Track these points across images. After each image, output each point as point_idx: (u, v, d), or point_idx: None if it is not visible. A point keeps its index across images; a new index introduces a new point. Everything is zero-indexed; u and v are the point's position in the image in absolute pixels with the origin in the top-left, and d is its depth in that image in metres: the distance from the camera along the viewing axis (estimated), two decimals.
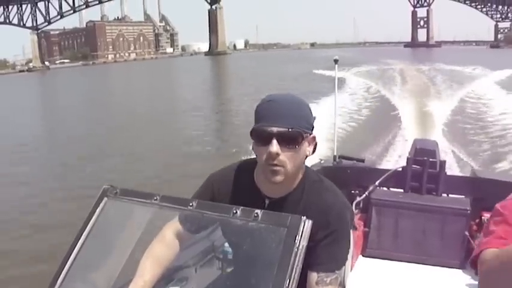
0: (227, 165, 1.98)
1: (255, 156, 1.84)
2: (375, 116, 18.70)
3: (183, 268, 2.82)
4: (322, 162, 4.40)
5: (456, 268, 3.77)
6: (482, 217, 3.85)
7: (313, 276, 1.71)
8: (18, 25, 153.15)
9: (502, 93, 23.26)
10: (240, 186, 1.87)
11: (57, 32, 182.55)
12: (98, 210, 1.66)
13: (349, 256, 1.89)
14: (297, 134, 1.65)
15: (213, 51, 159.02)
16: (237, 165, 1.94)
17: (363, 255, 4.00)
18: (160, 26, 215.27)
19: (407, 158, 4.29)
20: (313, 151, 1.85)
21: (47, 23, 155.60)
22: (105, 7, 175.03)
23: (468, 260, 3.69)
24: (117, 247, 1.79)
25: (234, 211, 1.48)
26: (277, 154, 1.63)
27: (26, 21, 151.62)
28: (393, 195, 4.21)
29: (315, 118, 1.85)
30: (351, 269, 3.54)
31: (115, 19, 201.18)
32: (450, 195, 4.23)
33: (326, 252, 1.71)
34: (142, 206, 1.62)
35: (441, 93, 25.02)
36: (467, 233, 3.82)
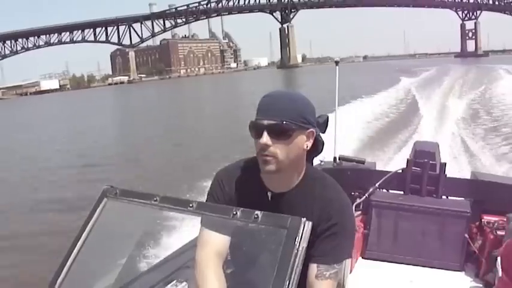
0: (233, 162, 2.01)
1: None
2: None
3: (183, 269, 2.87)
4: (322, 163, 4.35)
5: (456, 270, 3.76)
6: (482, 219, 3.83)
7: (313, 268, 1.74)
8: (118, 43, 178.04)
9: None
10: (245, 180, 1.90)
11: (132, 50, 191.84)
12: (97, 211, 1.67)
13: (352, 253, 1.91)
14: (286, 127, 1.69)
15: (285, 65, 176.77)
16: (243, 161, 1.97)
17: (362, 257, 4.00)
18: (224, 42, 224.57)
19: (408, 160, 4.28)
20: (321, 149, 1.93)
21: (140, 42, 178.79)
22: None
23: (468, 263, 3.62)
24: (116, 247, 1.79)
25: (234, 212, 1.47)
26: (267, 145, 1.69)
27: (123, 40, 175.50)
28: (393, 197, 4.20)
29: (326, 117, 1.93)
30: (351, 271, 3.53)
31: (183, 37, 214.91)
32: (450, 198, 4.21)
33: (327, 245, 1.74)
34: (142, 206, 1.63)
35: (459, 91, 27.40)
36: (467, 235, 3.81)
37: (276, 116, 1.70)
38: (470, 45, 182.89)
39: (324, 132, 1.93)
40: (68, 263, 1.61)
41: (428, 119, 17.27)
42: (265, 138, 1.69)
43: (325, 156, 4.32)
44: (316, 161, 4.15)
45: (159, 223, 6.41)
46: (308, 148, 1.80)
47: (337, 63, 4.90)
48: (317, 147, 1.89)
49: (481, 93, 25.99)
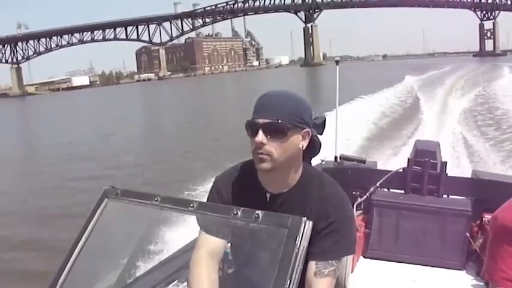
0: (231, 167, 2.02)
1: None
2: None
3: (184, 269, 2.83)
4: (323, 163, 4.35)
5: (457, 269, 3.75)
6: (483, 218, 3.81)
7: (312, 265, 1.75)
8: (148, 42, 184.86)
9: None
10: (243, 183, 1.92)
11: (157, 48, 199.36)
12: (98, 211, 1.67)
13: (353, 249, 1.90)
14: (282, 125, 1.72)
15: (309, 63, 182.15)
16: (241, 165, 1.99)
17: (363, 256, 3.99)
18: (246, 41, 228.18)
19: (408, 159, 4.28)
20: (319, 150, 1.95)
21: (170, 40, 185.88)
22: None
23: (469, 261, 3.58)
24: (118, 248, 1.79)
25: (235, 212, 1.47)
26: (262, 143, 1.71)
27: (153, 38, 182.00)
28: (394, 197, 4.19)
29: (324, 118, 1.94)
30: (352, 270, 3.51)
31: (207, 36, 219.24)
32: (451, 196, 4.21)
33: (325, 243, 1.75)
34: (143, 207, 1.63)
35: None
36: (468, 234, 3.79)
37: (271, 115, 1.71)
38: (489, 45, 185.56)
39: (321, 133, 1.95)
40: (69, 264, 1.61)
41: (429, 118, 17.28)
42: (261, 136, 1.71)
43: (326, 156, 4.30)
44: (317, 160, 4.18)
45: (160, 223, 6.45)
46: (304, 148, 1.81)
47: (337, 62, 4.91)
48: (314, 147, 1.91)
49: (483, 90, 26.04)
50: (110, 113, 42.64)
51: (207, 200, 1.96)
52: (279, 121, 1.71)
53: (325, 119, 1.95)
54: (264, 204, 1.82)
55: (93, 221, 1.67)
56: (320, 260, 1.75)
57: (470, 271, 3.66)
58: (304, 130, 1.78)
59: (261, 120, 1.72)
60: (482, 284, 3.36)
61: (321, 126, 1.94)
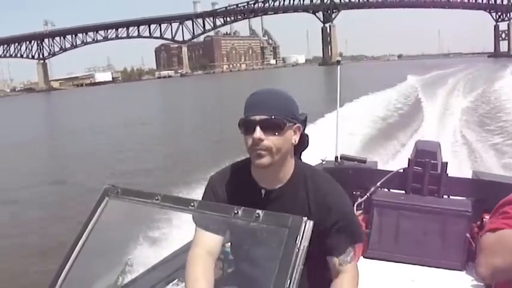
0: (226, 166, 2.05)
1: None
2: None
3: (184, 268, 2.84)
4: (323, 163, 4.36)
5: (457, 270, 3.73)
6: (484, 219, 3.77)
7: (335, 260, 1.84)
8: (171, 39, 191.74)
9: None
10: (238, 181, 1.95)
11: (176, 46, 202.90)
12: (99, 210, 1.67)
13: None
14: (278, 121, 1.77)
15: (327, 62, 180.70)
16: (235, 163, 2.03)
17: (364, 256, 3.96)
18: (263, 39, 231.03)
19: (409, 160, 4.27)
20: (307, 145, 2.02)
21: (192, 38, 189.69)
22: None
23: (469, 262, 3.52)
24: (118, 247, 1.79)
25: (236, 211, 1.47)
26: (261, 139, 1.75)
27: (175, 36, 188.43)
28: (395, 197, 4.18)
29: (305, 115, 2.01)
30: None
31: (225, 34, 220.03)
32: (451, 197, 4.20)
33: (339, 237, 1.83)
34: (144, 205, 1.63)
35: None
36: (468, 234, 3.79)
37: (266, 111, 1.76)
38: (504, 46, 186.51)
39: (303, 129, 1.98)
40: (69, 263, 1.61)
41: (430, 118, 17.14)
42: (258, 132, 1.75)
43: (327, 156, 4.36)
44: (317, 160, 4.18)
45: (160, 222, 6.40)
46: (296, 142, 1.86)
47: (338, 62, 4.95)
48: (303, 142, 1.97)
49: (485, 90, 25.90)
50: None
51: (203, 198, 1.97)
52: (275, 117, 1.76)
53: (306, 116, 2.03)
54: (259, 200, 1.85)
55: (93, 219, 1.67)
56: (341, 253, 1.84)
57: (470, 272, 3.64)
58: (296, 125, 1.85)
59: (257, 117, 1.76)
60: (482, 284, 3.33)
61: (303, 122, 1.99)
